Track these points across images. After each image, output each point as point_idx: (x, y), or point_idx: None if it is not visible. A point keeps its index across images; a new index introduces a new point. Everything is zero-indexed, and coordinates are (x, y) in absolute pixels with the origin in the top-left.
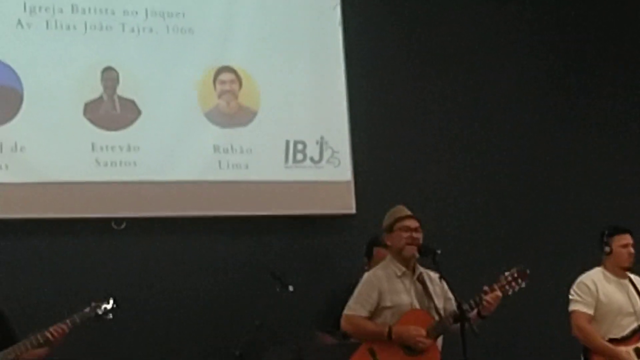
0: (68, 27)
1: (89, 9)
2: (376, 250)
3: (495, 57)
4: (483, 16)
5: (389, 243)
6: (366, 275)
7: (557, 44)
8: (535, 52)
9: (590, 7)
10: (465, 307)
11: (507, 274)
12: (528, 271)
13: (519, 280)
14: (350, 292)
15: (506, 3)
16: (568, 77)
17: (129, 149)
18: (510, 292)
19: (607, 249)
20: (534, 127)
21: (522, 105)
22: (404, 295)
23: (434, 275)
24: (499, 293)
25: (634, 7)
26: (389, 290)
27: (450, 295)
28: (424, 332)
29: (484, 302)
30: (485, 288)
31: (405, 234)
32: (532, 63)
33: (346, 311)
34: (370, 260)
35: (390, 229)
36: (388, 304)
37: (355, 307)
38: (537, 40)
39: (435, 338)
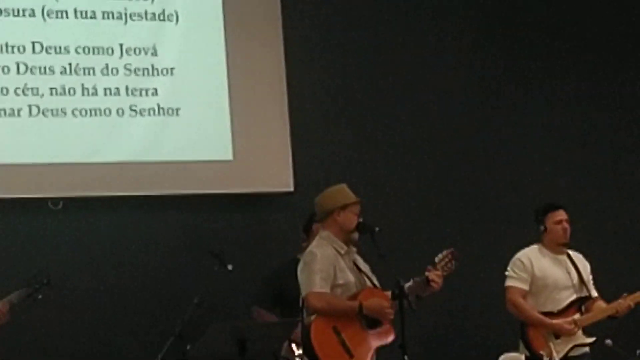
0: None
1: None
2: (315, 226)
3: (434, 45)
4: (418, 9)
5: (339, 221)
6: (317, 252)
7: (494, 26)
8: (472, 33)
9: None
10: (407, 284)
11: (441, 255)
12: (457, 253)
13: (453, 262)
14: (287, 269)
15: None
16: (508, 56)
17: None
18: (446, 273)
19: (542, 227)
20: (472, 107)
21: (459, 85)
22: (349, 273)
23: (358, 257)
24: (439, 273)
25: None
26: (339, 268)
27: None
28: (389, 304)
29: (432, 282)
30: (429, 267)
31: (356, 218)
32: (470, 43)
33: (313, 289)
34: (308, 237)
35: (344, 208)
36: (340, 281)
37: (322, 284)
38: (474, 22)
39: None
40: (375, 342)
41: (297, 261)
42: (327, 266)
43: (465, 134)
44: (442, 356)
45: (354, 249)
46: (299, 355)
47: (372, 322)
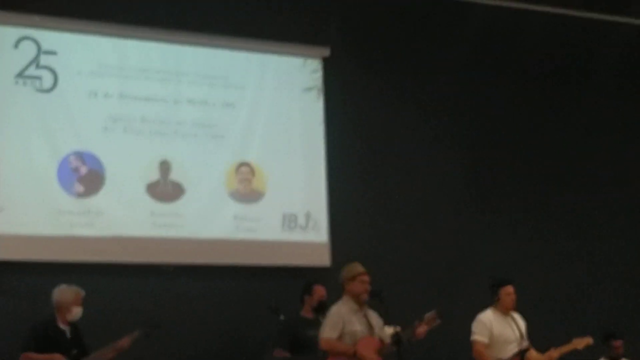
0: (138, 133)
1: (153, 120)
2: (316, 287)
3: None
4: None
5: (350, 289)
6: (334, 309)
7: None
8: (463, 143)
9: None
10: (402, 333)
11: (428, 314)
12: (440, 312)
13: (437, 319)
14: (299, 322)
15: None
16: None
17: (176, 215)
18: (431, 327)
19: (495, 297)
20: (459, 201)
21: (448, 183)
22: (357, 325)
23: (374, 314)
24: (426, 327)
25: None
26: (348, 321)
27: (384, 327)
28: (377, 358)
29: (417, 334)
30: (417, 322)
31: (364, 286)
32: (459, 148)
33: (324, 335)
34: (303, 303)
35: (353, 279)
36: (347, 330)
37: (330, 332)
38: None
39: (384, 357)
40: None
41: (304, 318)
42: (337, 319)
43: (449, 227)
44: None
45: (368, 308)
46: None
47: None
